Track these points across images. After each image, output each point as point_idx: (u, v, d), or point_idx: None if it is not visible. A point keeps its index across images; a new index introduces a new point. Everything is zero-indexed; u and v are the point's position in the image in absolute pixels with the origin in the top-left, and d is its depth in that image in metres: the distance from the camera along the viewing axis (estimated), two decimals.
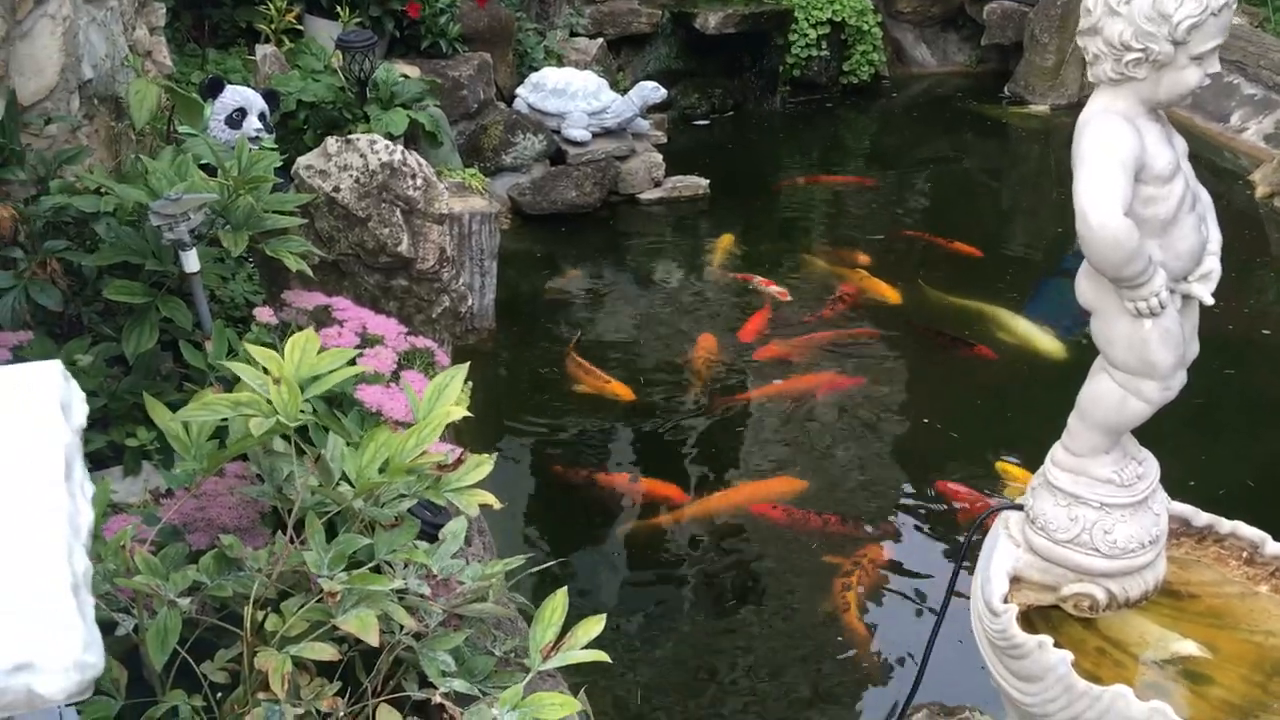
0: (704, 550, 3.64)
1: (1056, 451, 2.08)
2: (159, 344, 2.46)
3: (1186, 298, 1.92)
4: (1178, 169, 1.83)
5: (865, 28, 7.82)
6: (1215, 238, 1.93)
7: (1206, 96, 7.08)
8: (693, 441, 4.19)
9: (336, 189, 3.11)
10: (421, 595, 1.78)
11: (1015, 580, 2.09)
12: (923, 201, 6.68)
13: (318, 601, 1.67)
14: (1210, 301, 1.91)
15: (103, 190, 2.51)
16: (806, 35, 7.62)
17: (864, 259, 5.54)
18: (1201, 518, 2.24)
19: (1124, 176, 1.74)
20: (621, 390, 4.34)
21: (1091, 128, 1.79)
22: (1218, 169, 6.68)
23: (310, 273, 2.69)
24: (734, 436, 4.24)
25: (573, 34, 7.07)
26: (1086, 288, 1.92)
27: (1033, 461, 2.22)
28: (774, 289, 5.17)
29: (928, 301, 5.12)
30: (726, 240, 5.80)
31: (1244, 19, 7.53)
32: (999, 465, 4.01)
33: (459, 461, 1.89)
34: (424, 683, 1.74)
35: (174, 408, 1.92)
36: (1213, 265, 1.91)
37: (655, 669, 3.17)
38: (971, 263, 5.53)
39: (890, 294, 5.14)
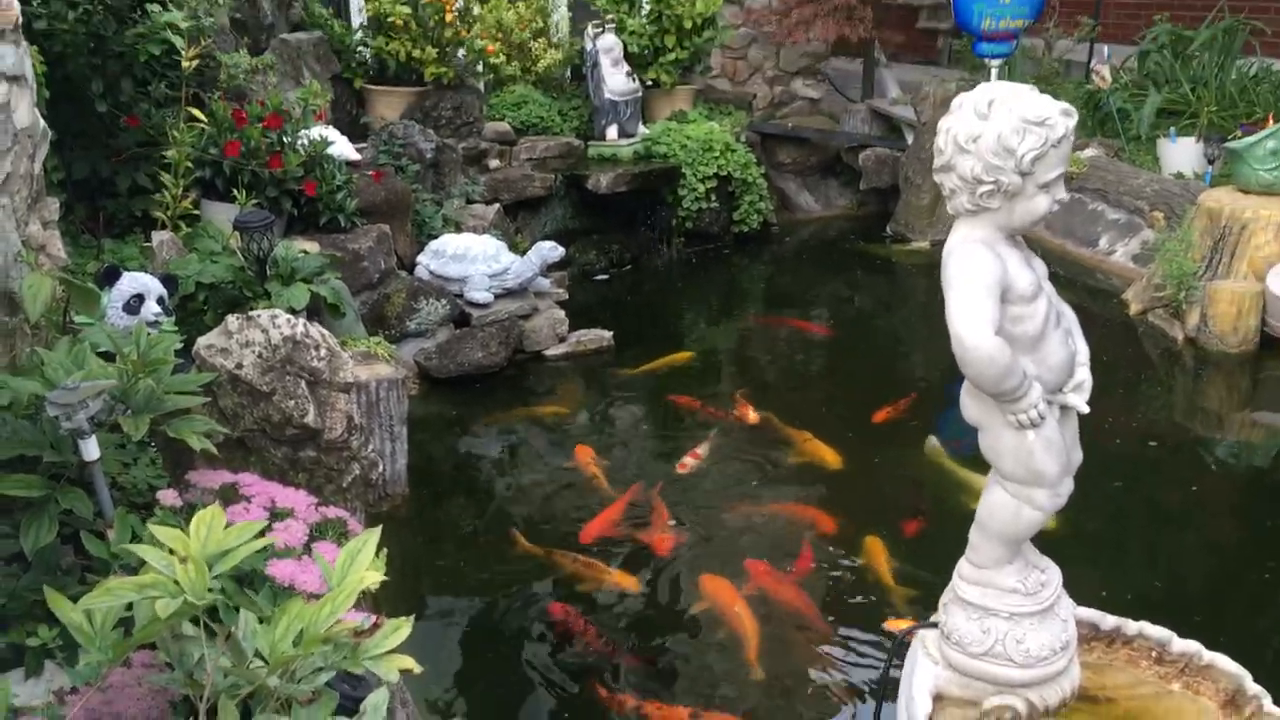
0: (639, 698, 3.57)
1: (963, 566, 2.14)
2: (59, 537, 2.40)
3: (1064, 408, 2.03)
4: (1040, 289, 1.96)
5: (750, 179, 8.19)
6: (1083, 350, 2.06)
7: (1075, 224, 7.52)
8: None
9: (239, 365, 3.12)
10: None
11: (938, 698, 2.12)
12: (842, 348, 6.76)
13: None
14: (1086, 410, 2.02)
15: None
16: (695, 190, 7.95)
17: (751, 416, 5.44)
18: (1109, 620, 2.31)
19: (990, 299, 1.86)
20: (625, 581, 4.13)
21: (956, 256, 1.92)
22: (1093, 290, 7.03)
23: (215, 451, 2.68)
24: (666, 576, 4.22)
25: (469, 201, 7.24)
26: (970, 405, 2.02)
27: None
28: (692, 460, 4.95)
29: (932, 466, 4.88)
30: (683, 356, 6.04)
31: (1101, 150, 8.06)
32: (867, 539, 4.15)
33: (375, 627, 1.87)
34: None
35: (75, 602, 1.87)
36: (1084, 375, 2.03)
37: None
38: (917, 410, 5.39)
39: (830, 457, 4.94)
